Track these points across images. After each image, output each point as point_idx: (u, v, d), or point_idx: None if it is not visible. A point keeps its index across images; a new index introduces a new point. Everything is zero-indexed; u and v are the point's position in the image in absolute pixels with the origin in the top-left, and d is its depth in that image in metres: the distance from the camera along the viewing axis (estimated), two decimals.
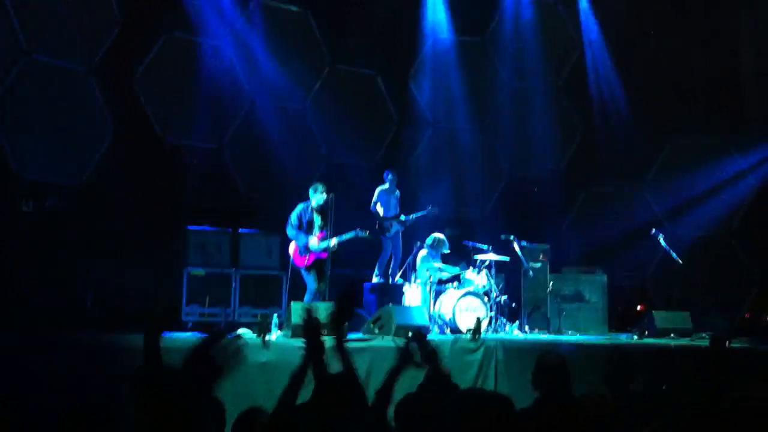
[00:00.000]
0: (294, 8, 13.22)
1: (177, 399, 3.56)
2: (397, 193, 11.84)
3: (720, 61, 13.98)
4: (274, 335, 8.44)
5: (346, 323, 4.43)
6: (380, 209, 11.62)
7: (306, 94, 13.25)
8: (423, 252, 11.35)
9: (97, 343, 7.58)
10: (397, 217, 11.67)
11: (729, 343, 7.56)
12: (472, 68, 14.35)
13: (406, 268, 11.46)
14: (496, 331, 10.64)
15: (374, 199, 11.66)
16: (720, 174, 14.10)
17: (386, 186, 11.66)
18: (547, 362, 5.02)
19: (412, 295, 10.93)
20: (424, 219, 11.76)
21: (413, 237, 11.68)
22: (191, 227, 10.68)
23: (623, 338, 10.58)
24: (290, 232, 10.07)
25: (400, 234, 11.74)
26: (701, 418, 3.85)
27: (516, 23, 14.46)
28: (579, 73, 14.54)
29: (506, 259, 11.39)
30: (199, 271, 10.38)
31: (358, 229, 10.21)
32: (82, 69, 11.06)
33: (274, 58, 12.67)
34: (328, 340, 4.44)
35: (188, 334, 8.96)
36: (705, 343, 9.19)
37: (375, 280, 11.57)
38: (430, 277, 10.99)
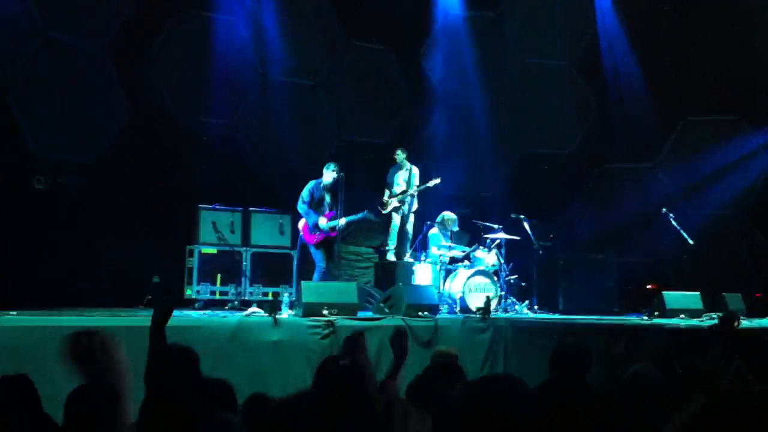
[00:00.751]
0: None
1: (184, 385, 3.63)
2: (404, 168, 11.68)
3: (735, 37, 13.84)
4: (285, 314, 8.51)
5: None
6: (386, 191, 11.60)
7: (318, 71, 13.21)
8: (433, 230, 11.38)
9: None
10: (401, 193, 11.51)
11: (738, 323, 7.54)
12: (484, 44, 14.23)
13: (416, 246, 11.47)
14: (506, 310, 10.69)
15: (388, 180, 11.64)
16: (735, 151, 14.02)
17: (396, 164, 11.63)
18: (567, 345, 5.00)
19: (422, 273, 10.97)
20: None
21: (425, 216, 11.66)
22: (202, 205, 10.76)
23: (633, 319, 10.60)
24: (301, 207, 10.13)
25: (410, 212, 11.60)
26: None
27: None
28: (593, 49, 14.44)
29: (517, 238, 11.41)
30: (211, 249, 10.48)
31: (366, 211, 10.24)
32: (96, 46, 11.07)
33: (286, 33, 12.63)
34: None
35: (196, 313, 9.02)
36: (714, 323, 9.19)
37: (390, 257, 11.56)
38: (440, 256, 11.03)
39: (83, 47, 10.92)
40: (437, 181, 11.29)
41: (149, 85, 11.48)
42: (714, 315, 9.87)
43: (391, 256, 11.63)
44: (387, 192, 11.58)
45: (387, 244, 11.69)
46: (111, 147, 10.97)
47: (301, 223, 10.24)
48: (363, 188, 11.51)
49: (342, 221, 9.99)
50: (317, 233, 10.05)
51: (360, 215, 10.22)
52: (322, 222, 10.01)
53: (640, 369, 4.46)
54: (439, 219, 11.36)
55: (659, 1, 14.27)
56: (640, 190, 14.09)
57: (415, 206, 11.53)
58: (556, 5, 14.32)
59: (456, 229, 11.40)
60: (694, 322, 9.99)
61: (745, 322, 9.42)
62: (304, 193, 10.13)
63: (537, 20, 14.28)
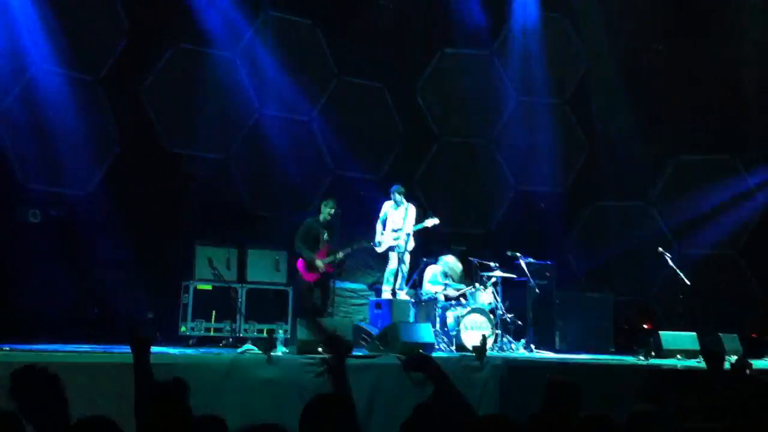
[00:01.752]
0: (302, 20, 13.21)
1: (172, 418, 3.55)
2: (401, 206, 11.59)
3: (726, 76, 13.97)
4: (280, 351, 8.38)
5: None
6: (379, 226, 11.51)
7: (313, 107, 13.22)
8: (431, 269, 11.30)
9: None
10: (393, 233, 11.47)
11: (750, 369, 7.41)
12: (479, 82, 14.35)
13: (413, 282, 11.37)
14: (501, 349, 10.58)
15: (381, 215, 11.58)
16: (727, 191, 14.06)
17: (390, 201, 11.56)
18: (558, 385, 4.94)
19: (417, 311, 10.88)
20: (422, 232, 11.54)
21: (420, 253, 11.57)
22: (198, 241, 10.67)
23: (629, 359, 10.50)
24: (298, 246, 10.13)
25: (406, 250, 11.51)
26: None
27: (524, 37, 14.46)
28: (585, 87, 14.53)
29: (513, 276, 11.33)
30: (206, 286, 10.37)
31: (362, 240, 10.25)
32: (90, 78, 11.05)
33: (281, 69, 12.66)
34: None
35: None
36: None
37: (384, 293, 11.46)
38: (435, 293, 10.95)
39: (76, 79, 10.89)
40: (436, 221, 11.24)
41: (142, 118, 11.44)
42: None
43: (386, 294, 11.53)
44: (380, 230, 11.47)
45: (382, 282, 11.60)
46: (103, 180, 10.89)
47: (299, 261, 10.19)
48: (357, 224, 11.44)
49: (341, 254, 9.95)
50: (315, 271, 10.02)
51: (356, 244, 10.19)
52: (320, 263, 9.99)
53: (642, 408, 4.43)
54: (440, 261, 11.28)
55: (650, 41, 14.39)
56: (633, 228, 14.08)
57: (411, 245, 11.35)
58: (549, 43, 14.41)
59: (458, 269, 11.31)
60: (691, 362, 9.89)
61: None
62: (300, 232, 10.12)
63: (531, 58, 14.36)
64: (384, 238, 11.37)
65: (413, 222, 11.30)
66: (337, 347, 4.34)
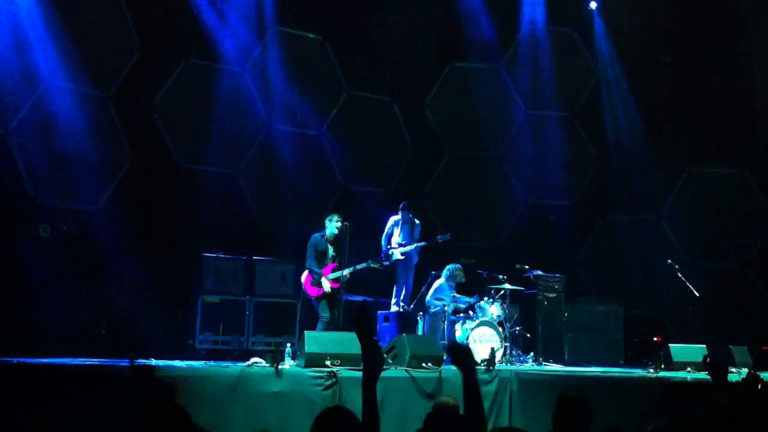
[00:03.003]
0: (311, 35, 13.30)
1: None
2: (408, 222, 11.61)
3: (736, 89, 13.95)
4: (288, 364, 8.38)
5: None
6: (384, 240, 11.53)
7: (322, 121, 13.28)
8: (439, 281, 11.30)
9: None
10: (399, 246, 11.51)
11: (762, 384, 7.34)
12: (488, 95, 14.38)
13: (421, 296, 11.38)
14: (510, 362, 10.56)
15: (386, 229, 11.61)
16: (737, 204, 14.03)
17: (398, 216, 11.59)
18: (569, 400, 4.92)
19: (426, 324, 10.88)
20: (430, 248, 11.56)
21: (428, 266, 11.58)
22: (206, 254, 10.70)
23: (639, 372, 10.45)
24: (309, 264, 10.20)
25: (412, 263, 11.56)
26: None
27: (533, 51, 14.50)
28: (594, 101, 14.54)
29: (521, 289, 11.32)
30: (214, 298, 10.39)
31: (369, 260, 10.23)
32: (100, 94, 11.13)
33: (290, 84, 12.74)
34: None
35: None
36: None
37: (393, 308, 11.48)
38: (444, 306, 10.94)
39: (87, 95, 10.97)
40: (447, 238, 11.29)
41: (153, 133, 11.51)
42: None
43: (393, 307, 11.53)
44: (385, 243, 11.49)
45: (392, 295, 11.62)
46: (114, 195, 10.95)
47: (303, 276, 10.23)
48: (365, 238, 11.45)
49: (346, 272, 9.95)
50: (319, 287, 10.05)
51: (363, 264, 10.19)
52: (326, 283, 10.02)
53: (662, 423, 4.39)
54: (447, 273, 11.29)
55: (660, 53, 14.39)
56: (643, 241, 14.04)
57: (416, 259, 11.45)
58: (558, 57, 14.44)
59: (463, 280, 11.33)
60: (702, 375, 9.82)
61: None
62: (309, 250, 10.19)
63: (540, 72, 14.39)
64: (391, 252, 11.39)
65: (418, 237, 11.34)
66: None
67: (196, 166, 11.86)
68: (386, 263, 11.34)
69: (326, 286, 10.09)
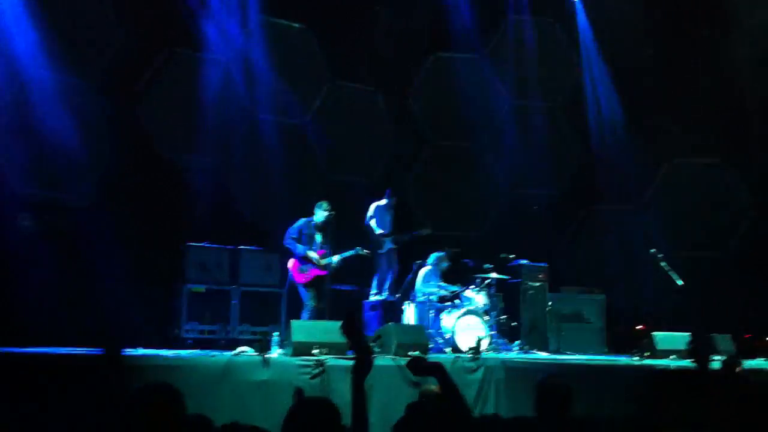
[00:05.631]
0: (295, 25, 13.26)
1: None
2: (389, 210, 11.75)
3: (718, 79, 14.02)
4: (275, 353, 8.39)
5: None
6: (374, 224, 11.60)
7: (306, 111, 13.25)
8: (424, 270, 11.33)
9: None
10: (390, 234, 11.60)
11: (740, 368, 7.44)
12: (472, 86, 14.39)
13: (406, 286, 11.41)
14: (496, 350, 10.60)
15: (370, 213, 11.65)
16: (718, 193, 14.13)
17: (383, 203, 11.63)
18: (549, 386, 4.98)
19: (411, 313, 10.90)
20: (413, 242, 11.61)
21: (411, 256, 11.63)
22: (191, 244, 10.66)
23: (623, 359, 10.53)
24: (288, 242, 10.08)
25: (395, 251, 11.65)
26: None
27: (517, 41, 14.53)
28: (578, 92, 14.60)
29: (506, 278, 11.37)
30: (199, 288, 10.37)
31: (358, 248, 10.24)
32: (83, 85, 11.03)
33: (275, 74, 12.69)
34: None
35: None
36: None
37: (373, 297, 11.52)
38: (429, 295, 10.97)
39: (70, 84, 10.87)
40: (428, 231, 11.36)
41: (136, 123, 11.43)
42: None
43: (376, 297, 11.57)
44: (375, 226, 11.54)
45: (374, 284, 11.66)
46: (97, 186, 10.87)
47: (290, 263, 10.18)
48: (349, 227, 11.46)
49: (335, 258, 9.95)
50: (307, 272, 9.99)
51: (351, 252, 10.20)
52: (313, 254, 9.96)
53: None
54: (430, 260, 11.33)
55: (643, 45, 14.44)
56: (626, 230, 14.12)
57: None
58: (542, 48, 14.48)
59: (446, 264, 11.37)
60: (686, 363, 9.91)
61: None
62: (292, 230, 10.11)
63: (524, 62, 14.43)
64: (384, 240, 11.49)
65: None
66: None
67: (179, 155, 11.79)
68: (381, 251, 11.41)
69: (315, 258, 10.01)
